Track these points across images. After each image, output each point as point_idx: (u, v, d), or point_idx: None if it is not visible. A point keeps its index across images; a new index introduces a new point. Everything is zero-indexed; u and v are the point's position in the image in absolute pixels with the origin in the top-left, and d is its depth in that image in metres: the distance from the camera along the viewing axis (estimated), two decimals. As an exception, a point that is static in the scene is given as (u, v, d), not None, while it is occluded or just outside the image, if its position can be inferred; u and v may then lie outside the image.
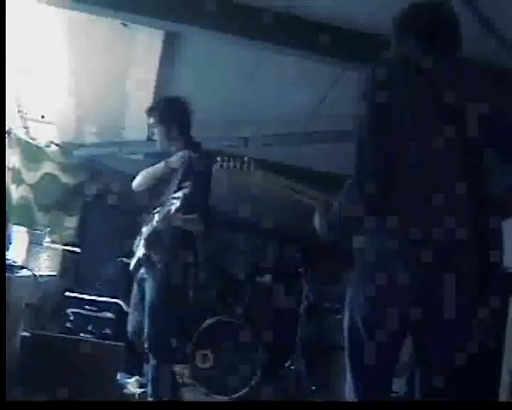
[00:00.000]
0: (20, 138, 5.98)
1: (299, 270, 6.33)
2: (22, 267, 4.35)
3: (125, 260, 4.55)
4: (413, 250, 2.01)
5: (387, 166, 2.04)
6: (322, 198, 2.40)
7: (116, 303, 5.95)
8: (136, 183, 4.32)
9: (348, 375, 2.16)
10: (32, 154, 6.04)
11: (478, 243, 2.06)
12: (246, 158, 2.42)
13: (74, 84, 5.12)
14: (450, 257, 2.02)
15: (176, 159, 4.15)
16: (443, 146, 2.07)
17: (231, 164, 2.42)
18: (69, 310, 5.91)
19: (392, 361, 2.16)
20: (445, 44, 2.25)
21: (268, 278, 7.06)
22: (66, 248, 6.19)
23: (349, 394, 2.15)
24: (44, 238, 5.95)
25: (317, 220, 2.34)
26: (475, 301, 2.12)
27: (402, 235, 2.01)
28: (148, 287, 4.13)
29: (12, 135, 5.78)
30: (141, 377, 4.65)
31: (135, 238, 4.39)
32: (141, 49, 4.49)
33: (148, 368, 4.50)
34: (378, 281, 2.04)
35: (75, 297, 5.99)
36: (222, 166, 2.41)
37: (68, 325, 5.86)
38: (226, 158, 2.43)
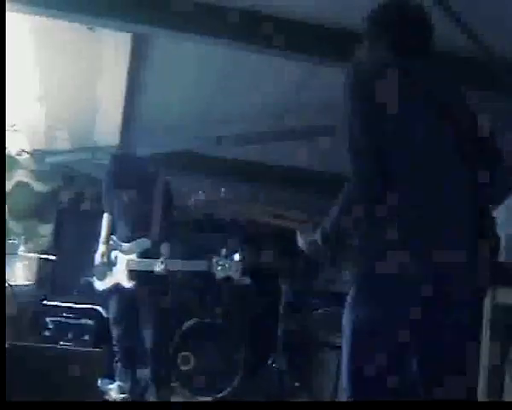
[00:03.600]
0: (-9, 148, 5.92)
1: (278, 268, 6.34)
2: (-3, 278, 4.31)
3: (90, 279, 4.62)
4: (416, 249, 2.01)
5: (384, 168, 2.03)
6: (304, 220, 2.37)
7: (95, 309, 5.91)
8: None
9: (345, 376, 2.14)
10: (4, 163, 5.99)
11: (478, 237, 2.09)
12: (223, 189, 2.39)
13: (44, 91, 5.08)
14: (452, 253, 2.04)
15: None
16: (435, 144, 2.10)
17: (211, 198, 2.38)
18: (47, 318, 5.86)
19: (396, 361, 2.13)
20: (418, 43, 2.27)
21: (247, 277, 7.06)
22: (42, 256, 6.13)
23: (345, 391, 2.13)
24: (19, 247, 5.89)
25: (303, 244, 2.31)
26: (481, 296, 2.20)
27: (403, 234, 2.01)
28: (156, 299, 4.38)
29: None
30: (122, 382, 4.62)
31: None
32: (109, 54, 4.46)
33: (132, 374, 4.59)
34: (383, 281, 2.04)
35: (53, 305, 5.94)
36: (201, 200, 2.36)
37: (47, 333, 5.81)
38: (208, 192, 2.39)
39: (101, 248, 4.52)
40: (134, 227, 4.38)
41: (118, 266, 4.41)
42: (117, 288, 4.43)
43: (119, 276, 4.38)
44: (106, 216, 4.64)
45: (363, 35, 2.38)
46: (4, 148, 4.97)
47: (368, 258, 2.10)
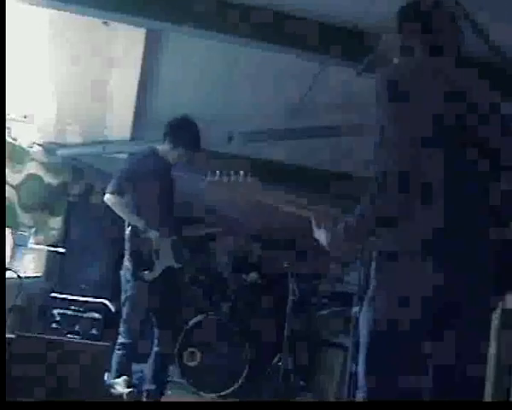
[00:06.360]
0: (3, 139, 5.93)
1: (286, 266, 6.33)
2: (7, 269, 4.33)
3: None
4: (441, 251, 2.01)
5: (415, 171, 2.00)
6: (322, 210, 2.33)
7: (102, 303, 5.92)
8: None
9: (363, 376, 2.11)
10: (15, 154, 5.99)
11: (496, 242, 2.10)
12: (242, 172, 2.35)
13: (56, 83, 5.09)
14: (475, 257, 2.05)
15: None
16: (465, 147, 2.09)
17: (230, 178, 2.33)
18: (55, 311, 5.88)
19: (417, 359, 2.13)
20: (449, 46, 2.27)
21: (254, 274, 7.06)
22: (51, 248, 6.15)
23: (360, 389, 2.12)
24: (29, 239, 5.91)
25: (322, 235, 2.25)
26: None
27: (429, 236, 2.01)
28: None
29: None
30: (129, 377, 4.64)
31: (120, 238, 4.43)
32: (122, 48, 4.48)
33: (136, 368, 4.58)
34: (409, 282, 2.03)
35: (61, 298, 5.96)
36: (221, 179, 2.32)
37: (54, 325, 5.83)
38: (224, 172, 2.34)
39: (155, 234, 4.32)
40: (164, 213, 4.38)
41: (162, 250, 4.36)
42: (168, 272, 4.39)
43: (168, 259, 4.37)
44: (124, 203, 4.31)
45: (398, 36, 2.37)
46: (4, 147, 4.99)
47: (391, 259, 2.08)
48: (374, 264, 2.15)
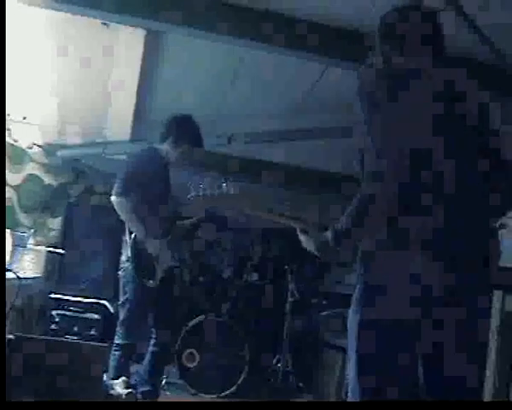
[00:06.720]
0: (3, 140, 5.93)
1: (286, 267, 6.33)
2: (6, 270, 4.32)
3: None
4: (433, 249, 2.00)
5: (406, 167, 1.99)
6: (306, 219, 2.33)
7: (101, 304, 5.92)
8: None
9: (354, 377, 2.11)
10: (15, 155, 5.99)
11: (488, 238, 2.11)
12: (224, 184, 2.33)
13: (56, 84, 5.10)
14: (467, 254, 2.05)
15: None
16: (453, 145, 2.08)
17: (214, 192, 2.31)
18: (54, 312, 5.88)
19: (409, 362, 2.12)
20: (431, 46, 2.26)
21: (254, 275, 7.06)
22: (51, 249, 6.15)
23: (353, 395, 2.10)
24: (28, 240, 5.91)
25: (310, 243, 2.26)
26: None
27: (420, 234, 2.01)
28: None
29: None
30: (128, 377, 4.64)
31: (120, 239, 4.40)
32: (123, 49, 4.48)
33: (134, 368, 4.56)
34: (400, 281, 2.02)
35: (60, 299, 5.96)
36: (205, 193, 2.29)
37: (53, 326, 5.83)
38: (207, 185, 2.31)
39: (154, 243, 4.28)
40: (163, 214, 4.33)
41: (161, 253, 4.33)
42: (168, 272, 4.37)
43: (167, 260, 4.34)
44: (128, 205, 4.18)
45: (377, 38, 2.38)
46: (4, 147, 4.99)
47: (377, 258, 2.08)
48: (359, 265, 2.15)
